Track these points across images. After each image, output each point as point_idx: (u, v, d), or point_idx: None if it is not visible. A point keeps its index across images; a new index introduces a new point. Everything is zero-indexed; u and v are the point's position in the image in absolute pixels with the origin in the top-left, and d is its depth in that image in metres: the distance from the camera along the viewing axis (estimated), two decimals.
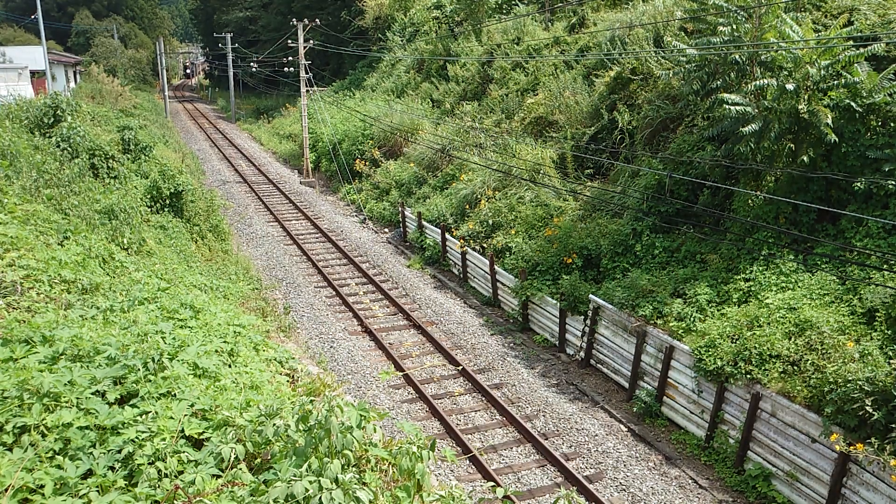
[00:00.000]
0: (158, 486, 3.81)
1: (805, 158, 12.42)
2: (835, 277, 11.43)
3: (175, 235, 17.14)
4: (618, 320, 13.65)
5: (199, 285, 11.80)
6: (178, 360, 5.44)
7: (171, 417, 4.40)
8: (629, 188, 16.72)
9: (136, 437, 4.17)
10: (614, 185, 17.79)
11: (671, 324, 12.55)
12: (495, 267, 17.93)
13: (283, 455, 4.08)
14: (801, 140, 12.54)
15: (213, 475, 3.92)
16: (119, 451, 4.06)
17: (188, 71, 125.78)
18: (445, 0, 36.32)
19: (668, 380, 12.34)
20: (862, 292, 10.83)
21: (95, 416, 4.29)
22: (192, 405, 4.65)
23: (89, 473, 3.87)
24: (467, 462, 11.44)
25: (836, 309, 10.79)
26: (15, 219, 9.82)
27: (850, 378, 9.17)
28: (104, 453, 4.03)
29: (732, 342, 11.18)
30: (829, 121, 11.54)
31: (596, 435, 12.22)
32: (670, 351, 12.17)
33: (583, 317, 14.69)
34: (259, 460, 4.21)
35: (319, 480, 3.54)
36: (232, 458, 3.98)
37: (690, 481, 10.90)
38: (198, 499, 3.61)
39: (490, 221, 19.57)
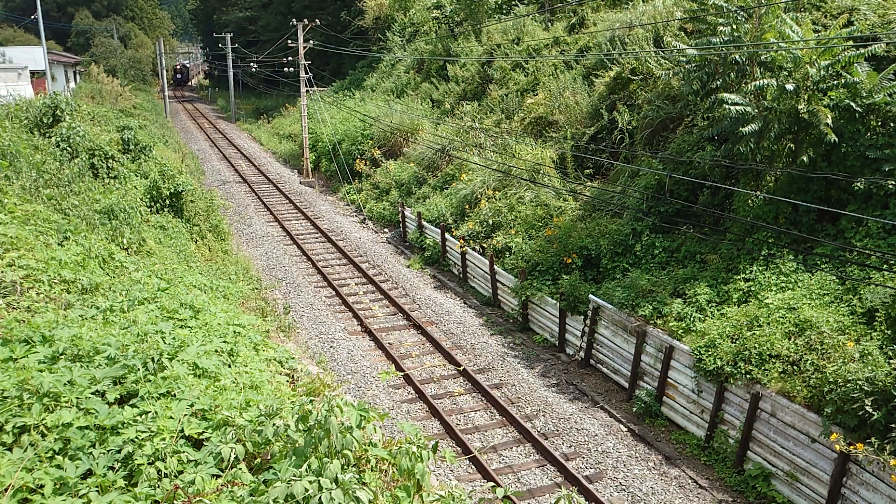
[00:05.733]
0: (158, 486, 3.81)
1: (805, 158, 12.42)
2: (835, 277, 11.43)
3: (175, 235, 17.12)
4: (618, 320, 13.65)
5: (199, 285, 11.79)
6: (177, 360, 5.44)
7: (171, 417, 4.40)
8: (629, 188, 16.71)
9: (136, 437, 4.17)
10: (614, 185, 17.79)
11: (671, 324, 12.54)
12: (495, 267, 17.92)
13: (282, 455, 4.08)
14: (801, 140, 12.54)
15: (213, 475, 3.92)
16: (119, 451, 4.06)
17: (179, 76, 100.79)
18: (445, 0, 36.30)
19: (668, 380, 12.34)
20: (862, 292, 10.83)
21: (95, 416, 4.29)
22: (191, 405, 4.65)
23: (89, 473, 3.87)
24: (467, 462, 11.44)
25: (835, 309, 10.78)
26: (15, 219, 9.82)
27: (849, 378, 9.17)
28: (104, 453, 4.03)
29: (732, 342, 11.18)
30: (829, 121, 11.54)
31: (596, 435, 12.22)
32: (670, 351, 12.17)
33: (582, 317, 14.69)
34: (259, 460, 4.22)
35: (319, 480, 3.54)
36: (232, 458, 3.98)
37: (690, 481, 10.90)
38: (197, 499, 3.61)
39: (490, 221, 19.56)
